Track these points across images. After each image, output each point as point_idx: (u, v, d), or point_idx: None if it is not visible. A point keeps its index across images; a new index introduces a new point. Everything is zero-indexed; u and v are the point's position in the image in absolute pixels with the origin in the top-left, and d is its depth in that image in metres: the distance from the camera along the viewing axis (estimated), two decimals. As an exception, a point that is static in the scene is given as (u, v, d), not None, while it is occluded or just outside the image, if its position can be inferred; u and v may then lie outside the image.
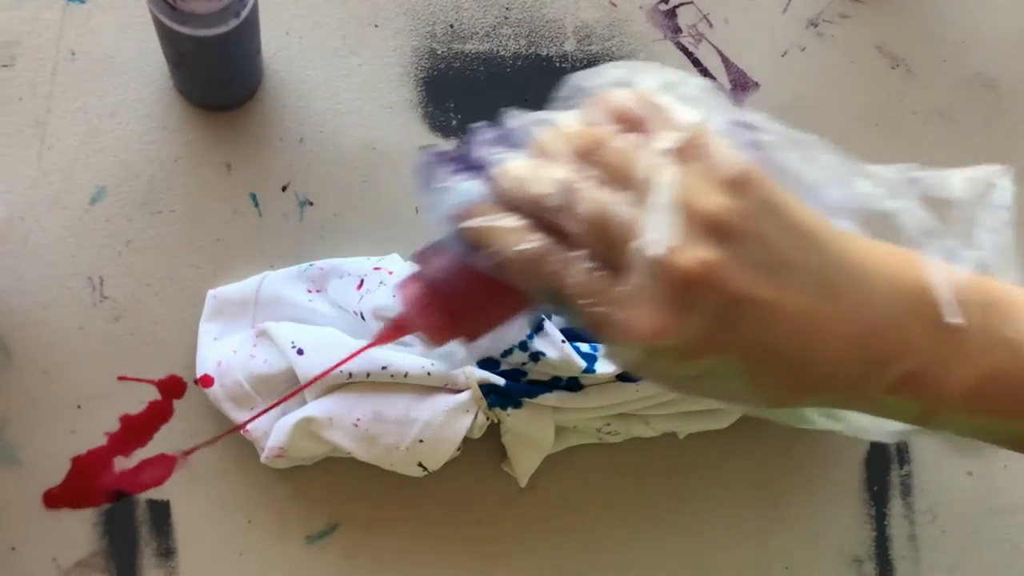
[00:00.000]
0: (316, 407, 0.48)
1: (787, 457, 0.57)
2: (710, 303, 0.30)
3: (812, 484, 0.57)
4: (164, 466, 0.50)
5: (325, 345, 0.48)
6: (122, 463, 0.50)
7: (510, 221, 0.32)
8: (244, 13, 0.43)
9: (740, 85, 0.58)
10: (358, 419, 0.48)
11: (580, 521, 0.54)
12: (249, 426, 0.48)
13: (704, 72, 0.58)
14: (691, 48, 0.57)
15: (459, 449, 0.49)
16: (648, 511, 0.55)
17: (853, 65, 0.59)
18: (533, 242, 0.32)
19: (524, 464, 0.51)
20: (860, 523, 0.57)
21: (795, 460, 0.57)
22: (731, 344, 0.32)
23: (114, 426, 0.50)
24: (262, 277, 0.51)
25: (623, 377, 0.49)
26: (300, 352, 0.48)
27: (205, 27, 0.43)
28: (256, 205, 0.52)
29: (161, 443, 0.50)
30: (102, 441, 0.50)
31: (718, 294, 0.30)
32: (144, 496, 0.50)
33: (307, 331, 0.49)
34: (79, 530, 0.49)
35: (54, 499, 0.49)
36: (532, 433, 0.50)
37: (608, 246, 0.31)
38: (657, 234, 0.30)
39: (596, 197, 0.31)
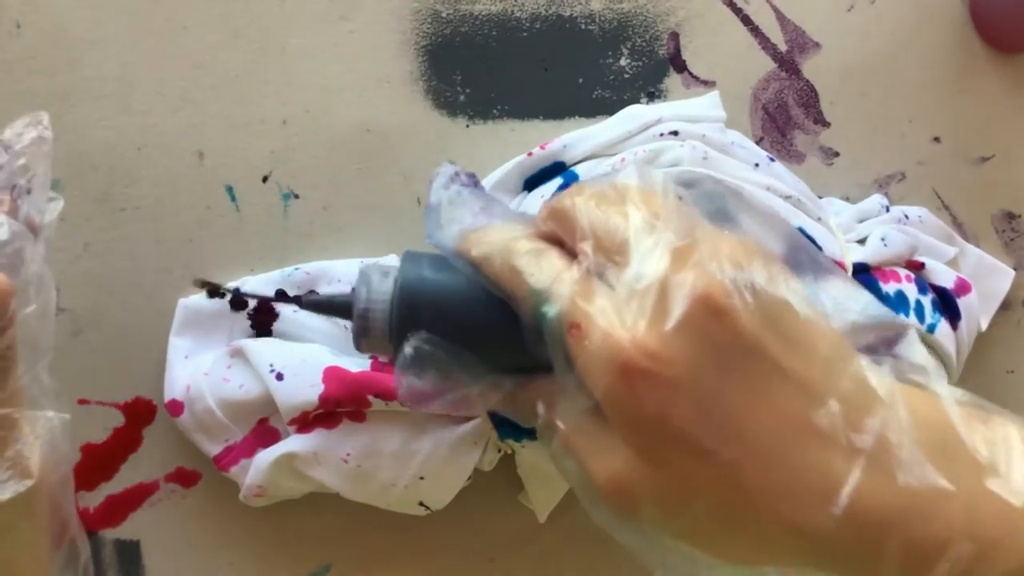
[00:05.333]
0: (299, 441, 0.41)
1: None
2: None
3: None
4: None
5: (309, 368, 0.41)
6: (85, 499, 0.45)
7: None
8: None
9: (798, 46, 0.50)
10: (348, 454, 0.41)
11: (606, 559, 0.49)
12: (226, 460, 0.42)
13: (755, 32, 0.49)
14: (740, 4, 0.49)
15: (469, 478, 0.44)
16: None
17: (932, 20, 0.51)
18: None
19: (543, 499, 0.46)
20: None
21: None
22: None
23: (75, 457, 0.45)
24: (240, 283, 0.45)
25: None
26: (279, 377, 0.41)
27: None
28: (233, 199, 0.46)
29: (128, 476, 0.45)
30: (62, 474, 0.44)
31: None
32: (111, 535, 0.45)
33: (289, 350, 0.42)
34: (39, 574, 0.44)
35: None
36: (551, 466, 0.43)
37: None
38: None
39: None
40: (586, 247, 0.30)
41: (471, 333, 0.33)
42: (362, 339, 0.34)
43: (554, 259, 0.30)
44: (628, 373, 0.27)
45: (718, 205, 0.32)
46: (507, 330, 0.32)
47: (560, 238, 0.31)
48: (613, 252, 0.29)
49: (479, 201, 0.35)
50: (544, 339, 0.30)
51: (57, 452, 0.33)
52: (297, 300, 0.35)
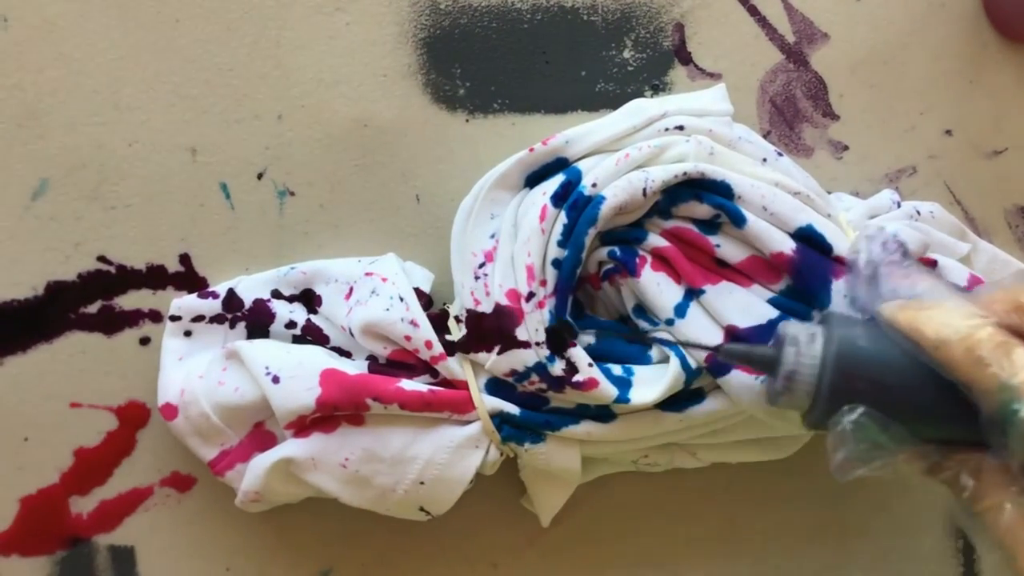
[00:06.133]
0: (296, 446, 0.40)
1: (858, 482, 0.49)
2: None
3: (889, 513, 0.51)
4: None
5: (306, 371, 0.40)
6: (78, 504, 0.44)
7: None
8: None
9: (806, 37, 0.49)
10: (346, 459, 0.40)
11: (613, 563, 0.48)
12: (222, 465, 0.41)
13: (762, 22, 0.48)
14: (747, -6, 0.48)
15: (472, 482, 0.42)
16: (695, 550, 0.49)
17: (943, 9, 0.50)
18: None
19: (547, 503, 0.45)
20: (946, 557, 0.52)
21: (868, 485, 0.51)
22: None
23: (68, 461, 0.44)
24: (235, 283, 0.44)
25: (664, 406, 0.41)
26: (275, 380, 0.40)
27: None
28: (227, 197, 0.45)
29: (122, 480, 0.44)
30: (54, 479, 0.44)
31: None
32: (105, 541, 0.44)
33: (285, 352, 0.41)
34: (31, 581, 0.44)
35: (1, 546, 0.43)
36: (555, 470, 0.42)
37: None
38: None
39: None
40: None
41: (906, 408, 0.34)
42: (783, 397, 0.36)
43: None
44: None
45: None
46: (946, 409, 0.33)
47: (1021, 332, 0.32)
48: None
49: (919, 273, 0.35)
50: (1003, 429, 0.30)
51: None
52: (716, 349, 0.38)
